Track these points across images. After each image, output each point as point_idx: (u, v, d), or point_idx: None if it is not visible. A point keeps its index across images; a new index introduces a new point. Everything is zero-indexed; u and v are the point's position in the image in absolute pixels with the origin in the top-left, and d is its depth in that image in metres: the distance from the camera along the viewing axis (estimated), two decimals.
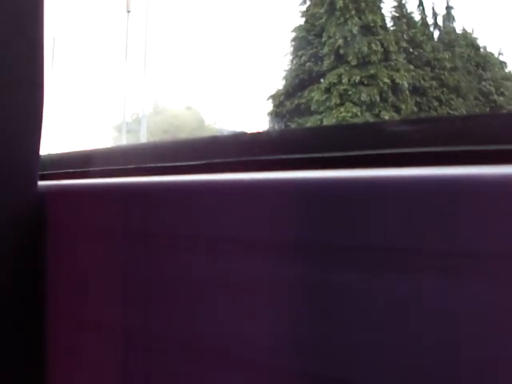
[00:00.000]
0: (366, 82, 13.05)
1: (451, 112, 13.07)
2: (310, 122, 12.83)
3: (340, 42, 13.11)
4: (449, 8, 14.22)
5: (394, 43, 13.42)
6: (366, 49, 13.01)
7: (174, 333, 0.72)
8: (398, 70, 13.26)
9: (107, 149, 1.34)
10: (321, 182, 0.59)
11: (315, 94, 13.27)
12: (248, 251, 0.64)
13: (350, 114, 12.77)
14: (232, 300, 0.65)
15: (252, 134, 0.89)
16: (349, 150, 0.63)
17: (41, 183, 0.91)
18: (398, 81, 13.12)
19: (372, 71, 13.03)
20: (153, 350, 0.74)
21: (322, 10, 13.50)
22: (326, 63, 13.28)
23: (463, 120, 0.61)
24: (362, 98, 12.93)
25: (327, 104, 13.08)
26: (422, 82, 13.53)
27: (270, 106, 14.16)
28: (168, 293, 0.72)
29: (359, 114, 12.79)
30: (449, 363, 0.49)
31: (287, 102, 13.69)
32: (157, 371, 0.73)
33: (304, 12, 14.06)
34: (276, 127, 13.48)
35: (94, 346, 0.83)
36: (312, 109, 13.23)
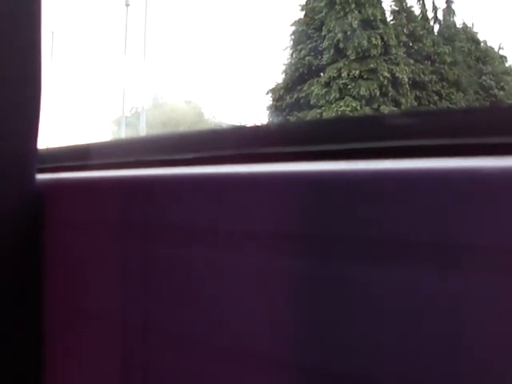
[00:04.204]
0: (365, 76, 13.05)
1: (451, 106, 13.07)
2: (310, 116, 12.83)
3: (340, 35, 13.10)
4: (449, 2, 14.22)
5: (393, 37, 13.41)
6: (365, 43, 13.01)
7: (173, 325, 0.71)
8: (397, 64, 13.26)
9: (106, 142, 1.33)
10: (321, 174, 0.59)
11: (315, 88, 13.27)
12: (248, 244, 0.64)
13: (349, 108, 12.78)
14: (232, 292, 0.65)
15: (251, 127, 0.89)
16: (348, 143, 0.63)
17: (39, 177, 0.91)
18: (397, 75, 13.12)
19: (372, 65, 13.02)
20: (152, 341, 0.74)
21: (321, 4, 13.49)
22: (326, 57, 13.28)
23: (464, 113, 0.61)
24: (362, 92, 12.93)
25: (327, 98, 13.09)
26: (422, 76, 13.53)
27: (269, 100, 14.18)
28: (167, 285, 0.72)
29: (359, 108, 12.80)
30: (450, 356, 0.49)
31: (287, 95, 13.69)
32: (156, 363, 0.73)
33: (303, 6, 14.04)
34: (275, 121, 13.47)
35: (93, 339, 0.83)
36: (311, 103, 13.23)
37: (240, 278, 0.64)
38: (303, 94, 13.44)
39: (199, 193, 0.69)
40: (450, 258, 0.49)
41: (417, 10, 14.15)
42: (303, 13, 14.02)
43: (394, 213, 0.52)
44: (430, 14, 14.20)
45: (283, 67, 14.21)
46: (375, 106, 12.93)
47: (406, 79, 13.25)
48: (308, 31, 13.69)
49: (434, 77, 13.56)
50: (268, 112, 14.22)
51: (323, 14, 13.44)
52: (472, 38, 14.18)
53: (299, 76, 13.61)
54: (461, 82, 13.64)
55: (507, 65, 14.10)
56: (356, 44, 13.00)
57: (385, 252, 0.53)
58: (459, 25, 14.21)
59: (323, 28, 13.40)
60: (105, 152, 0.95)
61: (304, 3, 14.03)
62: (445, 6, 14.24)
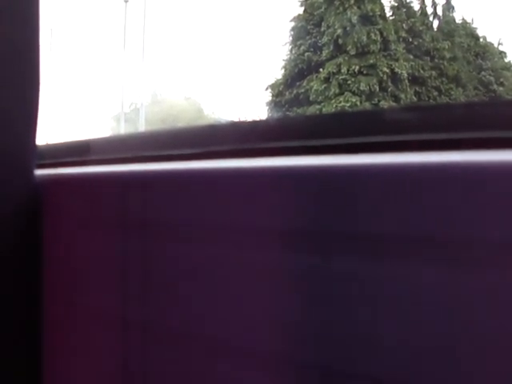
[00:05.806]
0: (365, 72, 13.03)
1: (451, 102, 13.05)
2: (309, 111, 12.82)
3: (339, 31, 13.08)
4: None
5: (393, 33, 13.39)
6: (365, 38, 12.99)
7: (173, 321, 0.71)
8: (397, 60, 13.24)
9: (104, 138, 1.33)
10: (319, 169, 0.58)
11: (314, 84, 13.25)
12: (247, 239, 0.64)
13: (349, 104, 12.76)
14: (231, 289, 0.65)
15: (249, 122, 0.89)
16: (348, 137, 0.63)
17: (38, 172, 0.91)
18: (397, 70, 13.10)
19: (371, 61, 13.01)
20: (151, 338, 0.74)
21: (320, 0, 13.46)
22: (325, 53, 13.26)
23: (463, 107, 0.61)
24: (362, 88, 12.92)
25: (326, 94, 13.07)
26: (422, 71, 13.52)
27: (268, 95, 14.16)
28: (166, 282, 0.72)
29: (358, 103, 12.79)
30: (450, 354, 0.49)
31: (286, 91, 13.68)
32: (155, 360, 0.73)
33: (303, 1, 14.01)
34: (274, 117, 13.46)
35: (92, 335, 0.83)
36: (311, 98, 13.22)
37: (239, 274, 0.64)
38: (303, 90, 13.43)
39: (198, 188, 0.69)
40: (451, 255, 0.49)
41: (416, 6, 14.13)
42: (302, 8, 14.00)
43: (395, 207, 0.52)
44: (430, 10, 14.18)
45: (283, 63, 14.19)
46: (375, 101, 12.91)
47: (406, 75, 13.23)
48: (307, 27, 13.66)
49: (434, 72, 13.55)
50: (267, 108, 14.22)
51: (322, 10, 13.41)
52: (471, 34, 14.16)
53: (299, 72, 13.59)
54: (460, 78, 13.63)
55: (506, 60, 14.09)
56: (355, 39, 12.98)
57: (385, 248, 0.53)
58: (458, 20, 14.20)
59: (322, 24, 13.38)
60: (103, 148, 0.95)
61: None
62: (444, 1, 14.22)
